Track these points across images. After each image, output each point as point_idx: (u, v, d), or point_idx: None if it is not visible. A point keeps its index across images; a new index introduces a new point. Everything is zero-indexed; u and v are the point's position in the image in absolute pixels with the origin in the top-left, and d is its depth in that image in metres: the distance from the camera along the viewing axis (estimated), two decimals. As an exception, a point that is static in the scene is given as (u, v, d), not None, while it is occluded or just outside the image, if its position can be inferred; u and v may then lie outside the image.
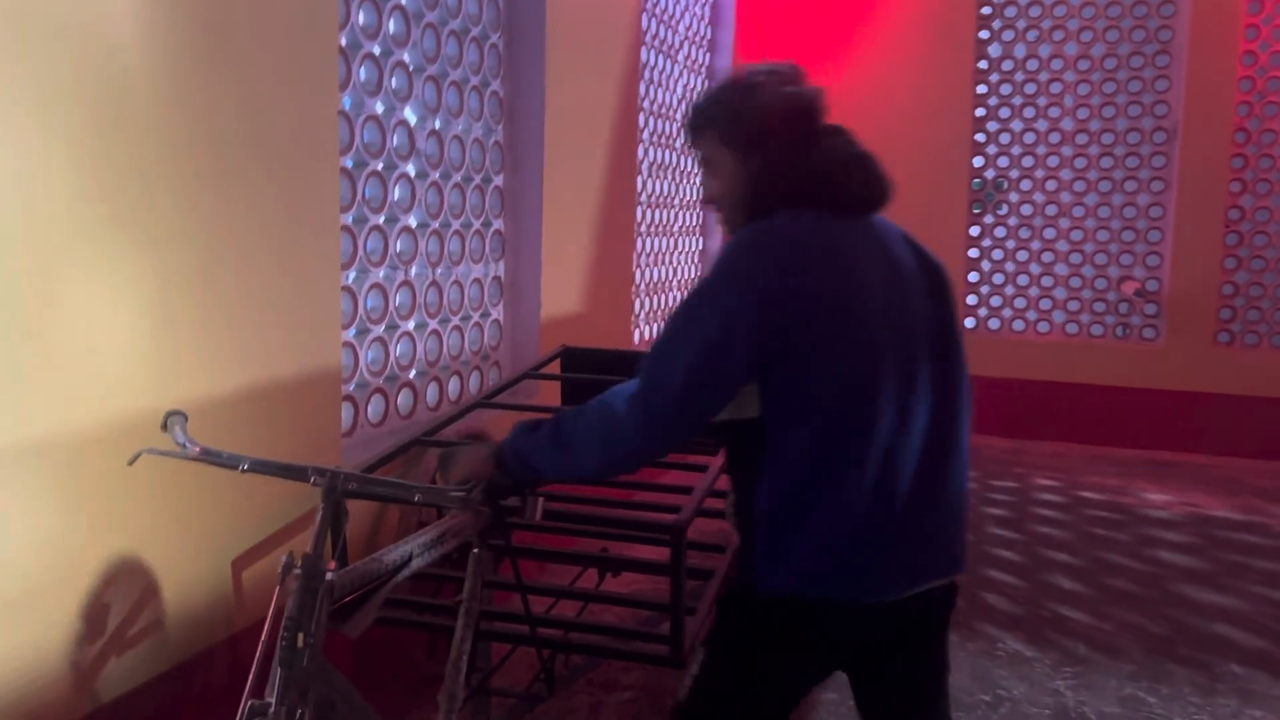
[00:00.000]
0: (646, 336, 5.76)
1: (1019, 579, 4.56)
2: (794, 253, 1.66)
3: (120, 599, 2.17)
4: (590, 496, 3.18)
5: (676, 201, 6.51)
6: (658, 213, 6.07)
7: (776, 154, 1.76)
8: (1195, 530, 5.40)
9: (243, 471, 1.66)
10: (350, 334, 3.18)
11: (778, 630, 1.69)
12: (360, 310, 3.23)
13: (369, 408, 3.31)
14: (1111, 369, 7.51)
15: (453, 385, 3.83)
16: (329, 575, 1.55)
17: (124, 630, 2.18)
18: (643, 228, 5.77)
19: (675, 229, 6.49)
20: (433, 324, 3.68)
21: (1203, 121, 7.18)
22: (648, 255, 5.92)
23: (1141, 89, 7.45)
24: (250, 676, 1.52)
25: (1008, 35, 7.71)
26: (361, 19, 3.16)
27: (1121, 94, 7.50)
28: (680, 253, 6.62)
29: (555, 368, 3.67)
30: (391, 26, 3.31)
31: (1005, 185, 7.83)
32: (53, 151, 1.96)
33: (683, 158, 6.59)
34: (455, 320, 3.83)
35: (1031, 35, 7.65)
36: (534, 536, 2.94)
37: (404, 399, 3.52)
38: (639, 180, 5.54)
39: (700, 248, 7.15)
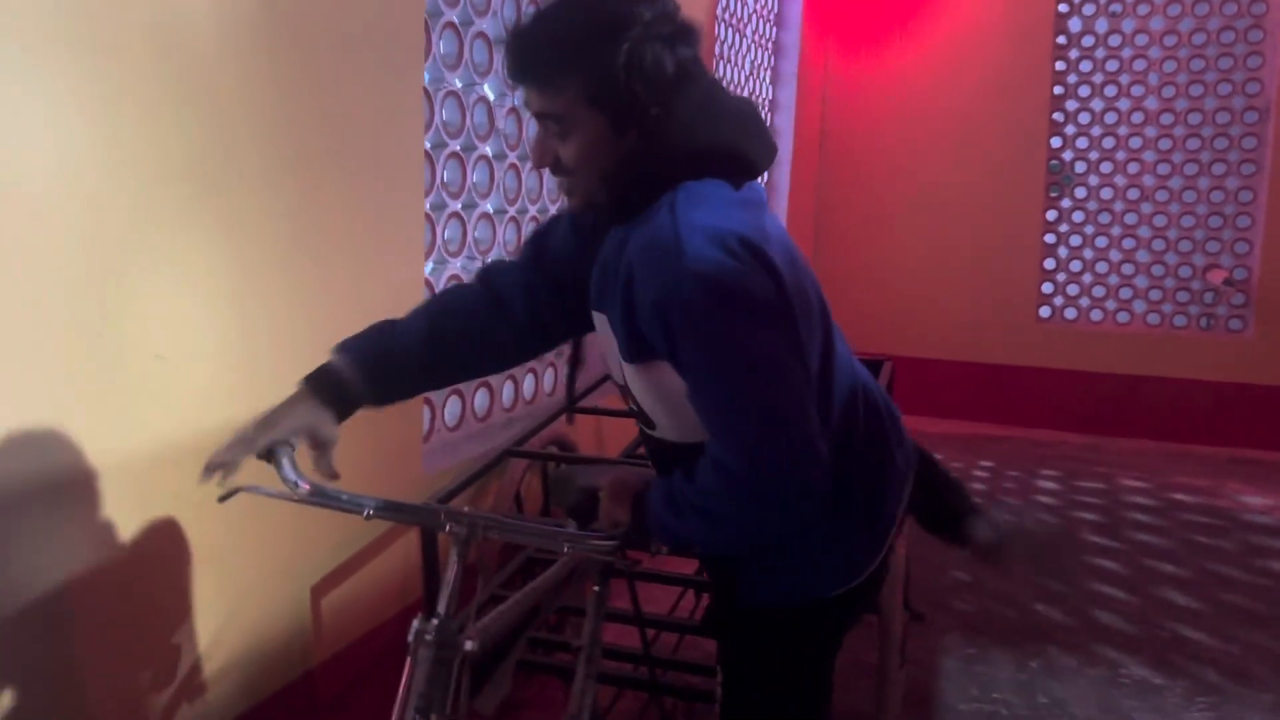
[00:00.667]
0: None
1: (1128, 593, 4.24)
2: (767, 244, 1.34)
3: (193, 636, 1.91)
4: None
5: (743, 184, 6.20)
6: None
7: (673, 119, 1.38)
8: (1305, 538, 5.06)
9: (367, 518, 1.37)
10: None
11: (834, 630, 1.65)
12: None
13: (445, 410, 3.04)
14: (1195, 362, 7.13)
15: (527, 384, 3.56)
16: (468, 645, 1.26)
17: (198, 672, 1.92)
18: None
19: (742, 213, 6.19)
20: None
21: (1299, 100, 6.78)
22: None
23: (1232, 66, 7.02)
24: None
25: (1088, 9, 7.30)
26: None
27: (1210, 71, 7.08)
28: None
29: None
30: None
31: (1085, 167, 7.44)
32: (127, 131, 1.69)
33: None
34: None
35: (1115, 8, 7.24)
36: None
37: (480, 399, 3.25)
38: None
39: (764, 233, 6.84)
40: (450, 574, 1.31)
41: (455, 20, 2.93)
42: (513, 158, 3.33)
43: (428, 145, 2.81)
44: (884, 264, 7.74)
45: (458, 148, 3.00)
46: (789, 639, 1.60)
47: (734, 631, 1.63)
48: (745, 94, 6.13)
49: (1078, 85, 7.38)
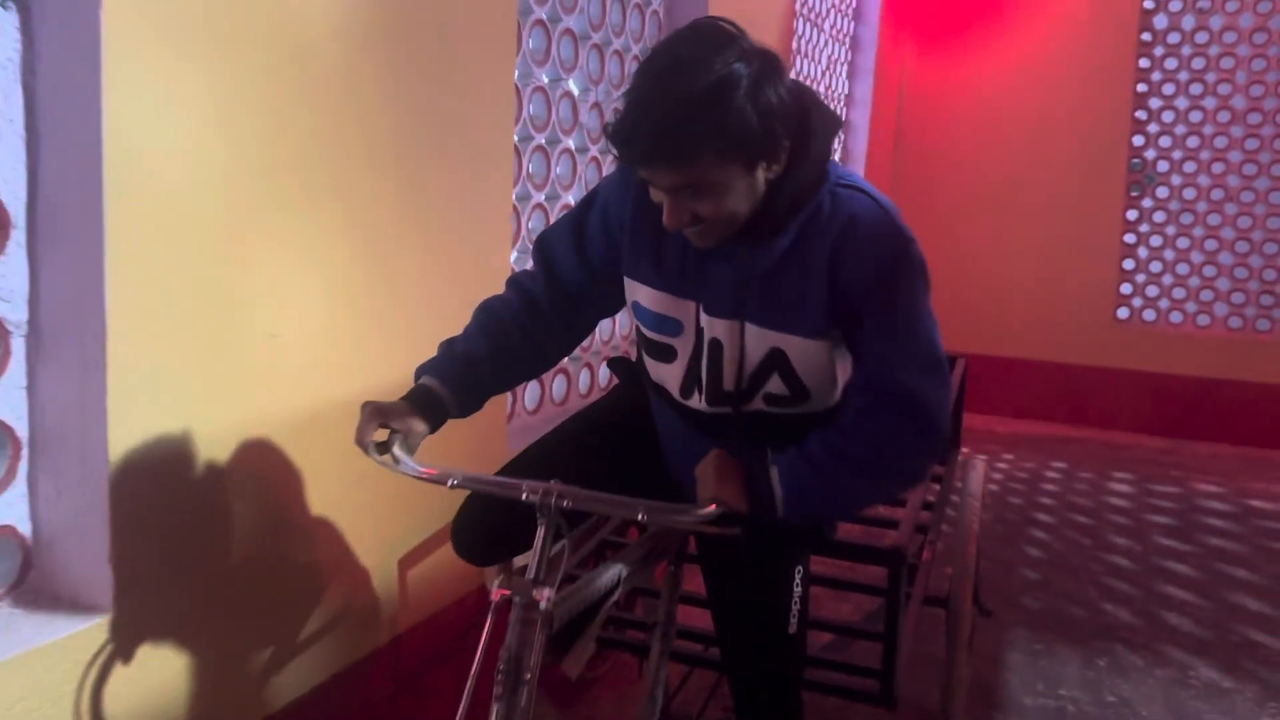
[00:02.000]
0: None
1: (1199, 597, 4.20)
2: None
3: (294, 600, 2.04)
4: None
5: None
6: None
7: (804, 141, 1.52)
8: (1389, 549, 4.94)
9: (451, 487, 1.48)
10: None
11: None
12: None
13: (526, 395, 3.15)
14: (1277, 366, 6.97)
15: (602, 372, 3.65)
16: (543, 605, 1.36)
17: (296, 632, 2.05)
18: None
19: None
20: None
21: (1395, 100, 6.58)
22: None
23: (1320, 67, 6.85)
24: (460, 714, 1.35)
25: (1175, 5, 7.16)
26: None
27: (1292, 74, 6.91)
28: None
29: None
30: (562, -7, 3.12)
31: (1167, 166, 7.30)
32: (245, 123, 1.81)
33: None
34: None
35: (1202, 4, 7.09)
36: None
37: (558, 385, 3.35)
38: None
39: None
40: (538, 541, 1.41)
41: (544, 17, 3.03)
42: (594, 151, 3.42)
43: (515, 138, 2.92)
44: (958, 261, 7.69)
45: (543, 141, 3.10)
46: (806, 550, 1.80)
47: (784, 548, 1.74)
48: (821, 89, 6.15)
49: (1162, 83, 7.25)
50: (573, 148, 3.29)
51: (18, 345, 1.64)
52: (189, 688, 1.82)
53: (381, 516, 2.27)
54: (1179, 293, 7.34)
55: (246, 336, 1.88)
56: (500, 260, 2.61)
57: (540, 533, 1.43)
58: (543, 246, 1.80)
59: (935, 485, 3.00)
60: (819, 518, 1.62)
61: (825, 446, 1.53)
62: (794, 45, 5.32)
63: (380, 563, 2.29)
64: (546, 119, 3.10)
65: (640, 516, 1.45)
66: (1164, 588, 4.29)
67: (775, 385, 1.64)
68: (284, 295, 1.95)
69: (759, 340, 1.61)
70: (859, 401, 1.55)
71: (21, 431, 1.66)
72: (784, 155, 1.50)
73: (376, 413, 1.55)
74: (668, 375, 1.73)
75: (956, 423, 3.28)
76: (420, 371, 1.69)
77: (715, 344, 1.65)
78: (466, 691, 1.37)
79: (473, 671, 1.38)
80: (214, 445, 1.83)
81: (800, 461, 1.53)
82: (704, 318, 1.64)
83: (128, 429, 1.65)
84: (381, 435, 1.57)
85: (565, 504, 1.43)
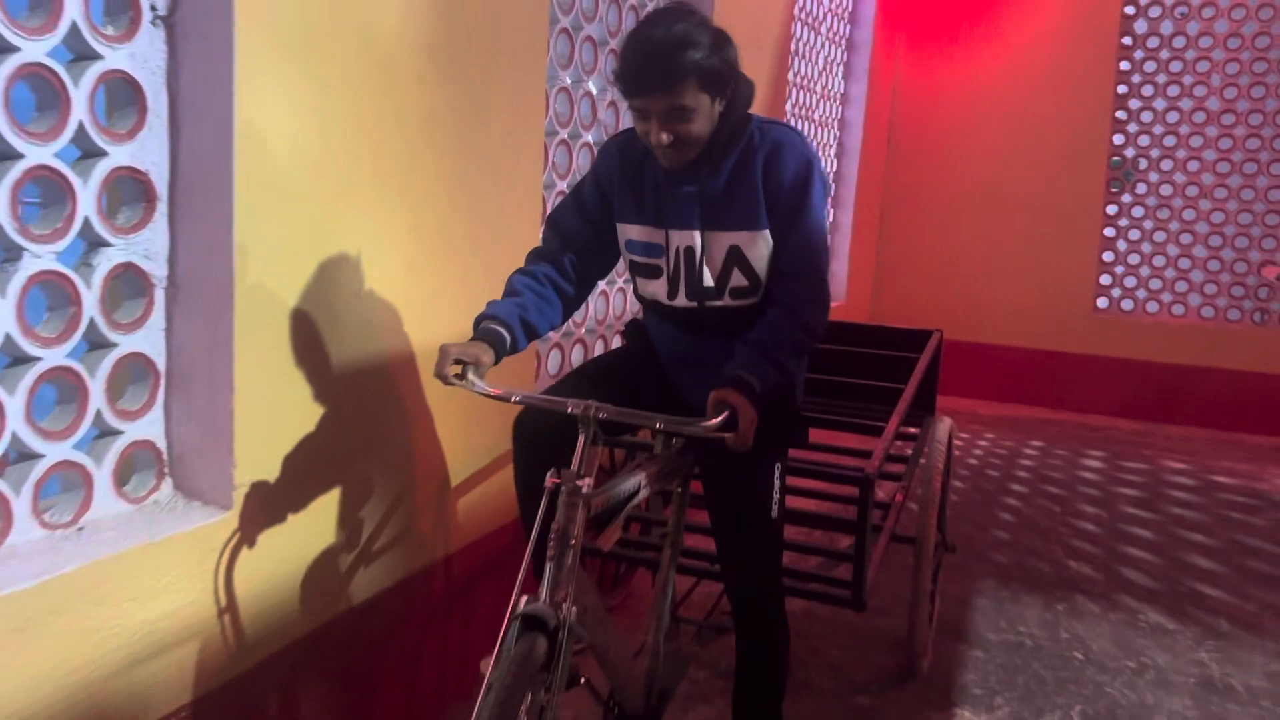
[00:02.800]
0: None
1: (1155, 556, 4.61)
2: None
3: (373, 513, 2.44)
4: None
5: (813, 173, 6.61)
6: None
7: (738, 86, 2.10)
8: (1336, 519, 5.35)
9: (514, 403, 1.90)
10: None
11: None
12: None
13: (549, 359, 3.55)
14: (1247, 354, 7.38)
15: (616, 341, 4.05)
16: (584, 490, 1.77)
17: (374, 542, 2.45)
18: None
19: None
20: (602, 285, 3.90)
21: (1360, 103, 6.98)
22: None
23: (1290, 74, 7.26)
24: (520, 576, 1.75)
25: (1154, 11, 7.56)
26: (558, -5, 3.37)
27: (1273, 74, 7.30)
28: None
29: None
30: (584, 2, 3.51)
31: (1145, 164, 7.71)
32: (337, 100, 2.21)
33: (820, 129, 6.68)
34: (619, 283, 4.04)
35: (1180, 11, 7.50)
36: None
37: (576, 353, 3.75)
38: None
39: (831, 219, 7.24)
40: (580, 444, 1.81)
41: (568, 26, 3.42)
42: (610, 144, 3.82)
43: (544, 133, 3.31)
44: (946, 252, 8.09)
45: (566, 135, 3.49)
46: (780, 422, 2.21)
47: (771, 437, 2.16)
48: (818, 89, 6.54)
49: (1141, 85, 7.65)
50: (592, 142, 3.68)
51: (159, 296, 2.04)
52: (291, 576, 2.22)
53: (439, 454, 2.68)
54: (1155, 284, 7.74)
55: (339, 294, 2.28)
56: (532, 234, 3.00)
57: (581, 438, 1.83)
58: (553, 221, 2.33)
59: (911, 441, 3.41)
60: (778, 386, 2.07)
61: (776, 330, 2.09)
62: (792, 47, 5.71)
63: (437, 492, 2.69)
64: (569, 116, 3.49)
65: (658, 425, 1.86)
66: (1124, 548, 4.71)
67: (737, 279, 2.17)
68: (366, 260, 2.36)
69: (720, 242, 2.16)
70: (778, 289, 2.14)
71: (160, 366, 2.06)
72: (730, 95, 2.08)
73: (453, 349, 1.96)
74: (657, 288, 2.24)
75: (932, 392, 3.68)
76: (480, 319, 2.10)
77: (689, 251, 2.17)
78: (526, 556, 1.77)
79: (531, 542, 1.79)
80: (315, 381, 2.23)
81: (758, 351, 2.04)
82: (675, 234, 2.17)
83: (248, 366, 2.05)
84: (455, 370, 1.96)
85: (601, 415, 1.84)
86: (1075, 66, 7.64)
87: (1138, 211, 7.75)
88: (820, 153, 6.73)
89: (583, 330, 3.78)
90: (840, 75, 7.03)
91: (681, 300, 2.22)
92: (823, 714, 3.00)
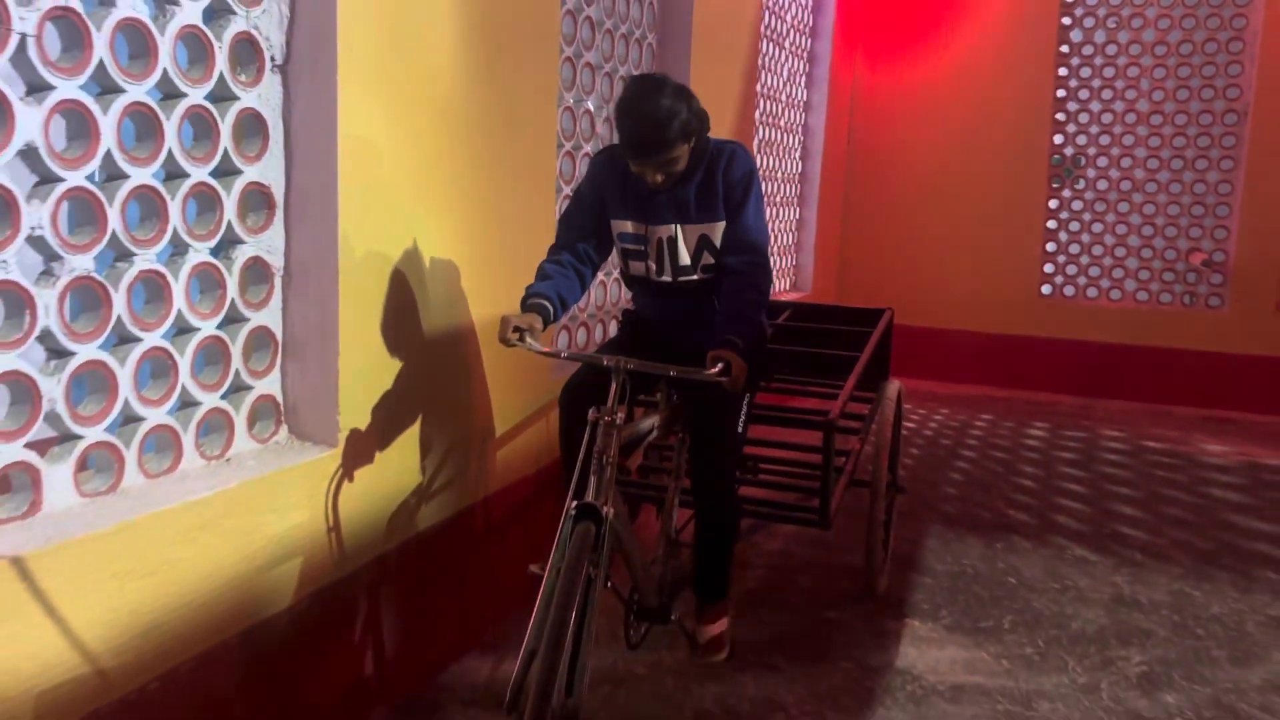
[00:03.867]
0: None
1: (1085, 506, 5.28)
2: None
3: (433, 458, 3.03)
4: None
5: (780, 174, 7.25)
6: (765, 185, 6.82)
7: (702, 127, 2.79)
8: (1247, 475, 6.05)
9: (563, 358, 2.50)
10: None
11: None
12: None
13: (559, 339, 4.15)
14: (1178, 334, 8.10)
15: (613, 327, 4.65)
16: (618, 420, 2.38)
17: (432, 481, 3.04)
18: (754, 198, 6.53)
19: (778, 200, 7.24)
20: (600, 275, 4.50)
21: (1274, 103, 7.69)
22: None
23: (1215, 73, 7.97)
24: (571, 487, 2.35)
25: (1089, 22, 8.27)
26: (565, 28, 3.97)
27: (1196, 78, 8.02)
28: (780, 222, 7.37)
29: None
30: (584, 32, 4.11)
31: (1083, 161, 8.41)
32: (410, 125, 2.80)
33: (785, 135, 7.32)
34: (615, 274, 4.65)
35: (1111, 22, 8.20)
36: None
37: (580, 335, 4.35)
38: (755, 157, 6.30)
39: (798, 217, 7.88)
40: (613, 389, 2.41)
41: (571, 55, 4.02)
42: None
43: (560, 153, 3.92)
44: (904, 246, 8.75)
45: (570, 148, 4.09)
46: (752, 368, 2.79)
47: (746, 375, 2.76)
48: (784, 98, 7.17)
49: (1078, 89, 8.35)
50: (591, 153, 4.29)
51: (277, 282, 2.62)
52: (378, 503, 2.80)
53: (487, 411, 3.27)
54: (1094, 271, 8.45)
55: (418, 278, 2.87)
56: (545, 229, 3.59)
57: (614, 385, 2.44)
58: (565, 220, 3.00)
59: (867, 404, 4.04)
60: (753, 338, 2.72)
61: (738, 298, 2.73)
62: (759, 62, 6.34)
63: (480, 441, 3.28)
64: (572, 131, 4.10)
65: (671, 373, 2.47)
66: (1058, 499, 5.37)
67: (706, 259, 2.87)
68: (436, 251, 2.95)
69: (692, 233, 2.87)
70: (731, 260, 2.83)
71: (279, 337, 2.64)
72: (698, 130, 2.75)
73: (511, 318, 2.56)
74: (644, 269, 2.91)
75: (886, 362, 4.30)
76: (527, 296, 2.70)
77: (670, 241, 2.83)
78: (576, 472, 2.37)
79: (579, 461, 2.39)
80: (400, 349, 2.81)
81: (731, 319, 2.69)
82: (657, 229, 2.84)
83: (349, 337, 2.63)
84: (514, 335, 2.56)
85: (629, 367, 2.45)
86: (1016, 72, 8.33)
87: (1077, 205, 8.45)
88: (787, 155, 7.38)
89: (585, 315, 4.38)
90: (803, 85, 7.67)
91: (665, 277, 2.88)
92: (799, 625, 3.62)
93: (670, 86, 2.67)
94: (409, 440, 2.92)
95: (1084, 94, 8.35)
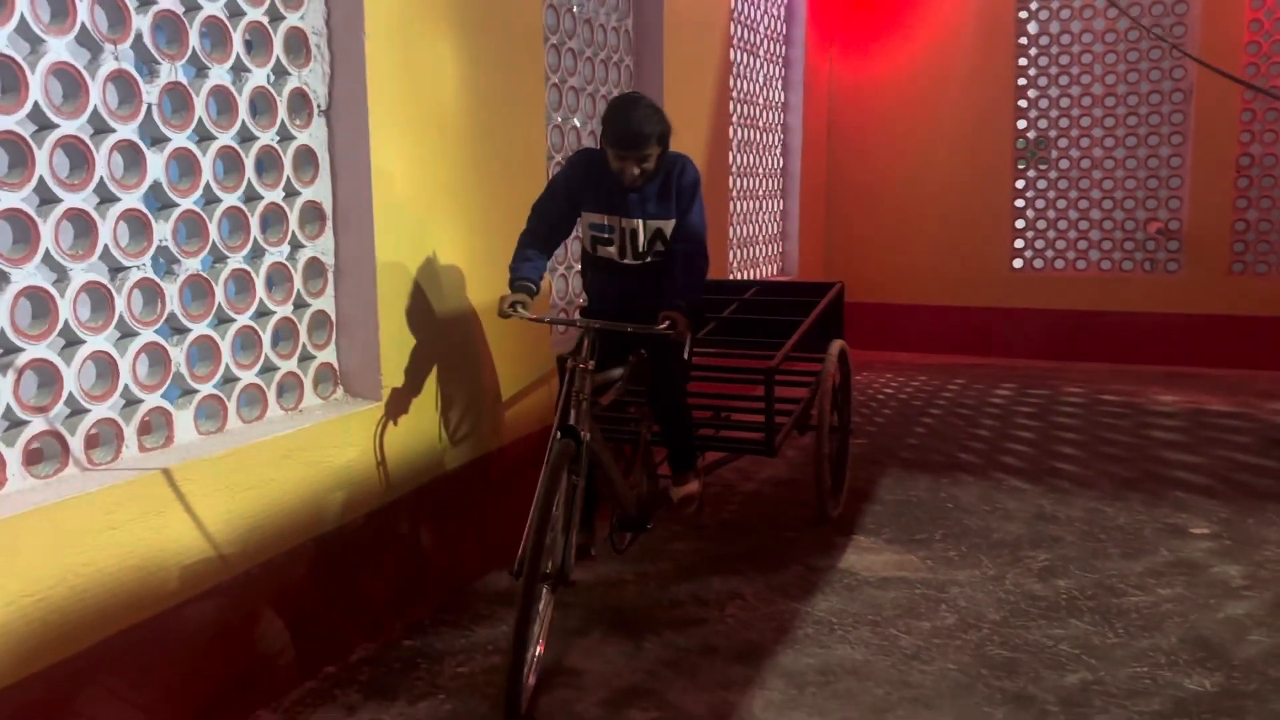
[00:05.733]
0: (738, 277, 7.29)
1: (1031, 448, 6.00)
2: None
3: (457, 412, 3.82)
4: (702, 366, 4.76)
5: (760, 170, 8.00)
6: (745, 180, 7.58)
7: (666, 145, 3.53)
8: (1190, 419, 6.74)
9: (548, 322, 3.30)
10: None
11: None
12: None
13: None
14: (1140, 298, 8.78)
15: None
16: (590, 367, 3.16)
17: (459, 430, 3.83)
18: (734, 193, 7.30)
19: (760, 193, 8.00)
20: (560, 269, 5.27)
21: (1216, 80, 8.33)
22: (739, 215, 7.44)
23: (1161, 56, 8.65)
24: (556, 417, 3.14)
25: (1044, 14, 8.96)
26: (550, 60, 4.76)
27: (1144, 61, 8.70)
28: (764, 214, 8.13)
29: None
30: (567, 61, 4.90)
31: (1046, 144, 9.11)
32: (431, 153, 3.60)
33: (764, 134, 8.07)
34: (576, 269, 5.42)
35: (1064, 13, 8.89)
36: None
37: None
38: (730, 155, 7.06)
39: (781, 208, 8.63)
40: (585, 344, 3.19)
41: (557, 81, 4.81)
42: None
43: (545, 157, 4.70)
44: (884, 229, 9.47)
45: (559, 158, 4.87)
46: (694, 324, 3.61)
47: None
48: (761, 100, 7.93)
49: (1037, 77, 9.04)
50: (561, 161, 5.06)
51: (330, 276, 3.42)
52: (413, 446, 3.58)
53: (494, 377, 4.06)
54: (1060, 244, 9.14)
55: (438, 272, 3.66)
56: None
57: (586, 340, 3.22)
58: (536, 209, 3.69)
59: (816, 364, 4.81)
60: (694, 306, 3.50)
61: (686, 275, 3.50)
62: (732, 70, 7.10)
63: (492, 401, 4.07)
64: (560, 145, 4.88)
65: (629, 329, 3.25)
66: (1007, 445, 6.10)
67: (659, 246, 3.59)
68: (453, 250, 3.74)
69: (650, 226, 3.58)
70: (680, 247, 3.58)
71: (334, 318, 3.44)
72: (664, 144, 3.49)
73: (507, 296, 3.33)
74: (611, 252, 3.64)
75: (837, 326, 5.02)
76: (514, 275, 3.46)
77: (633, 231, 3.57)
78: (559, 409, 3.15)
79: (560, 401, 3.17)
80: (426, 327, 3.60)
81: (680, 290, 3.45)
82: (624, 220, 3.57)
83: (386, 318, 3.43)
84: (509, 309, 3.34)
85: (597, 325, 3.23)
86: (980, 64, 9.02)
87: (1042, 184, 9.15)
88: (768, 152, 8.13)
89: (564, 304, 5.17)
90: (780, 88, 8.42)
91: (627, 259, 3.63)
92: (761, 542, 4.38)
93: (649, 101, 3.51)
94: (437, 398, 3.71)
95: (1043, 81, 9.04)
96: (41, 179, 2.45)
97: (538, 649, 2.99)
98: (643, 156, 3.42)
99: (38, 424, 2.46)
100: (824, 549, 4.29)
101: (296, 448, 3.10)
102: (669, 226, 3.59)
